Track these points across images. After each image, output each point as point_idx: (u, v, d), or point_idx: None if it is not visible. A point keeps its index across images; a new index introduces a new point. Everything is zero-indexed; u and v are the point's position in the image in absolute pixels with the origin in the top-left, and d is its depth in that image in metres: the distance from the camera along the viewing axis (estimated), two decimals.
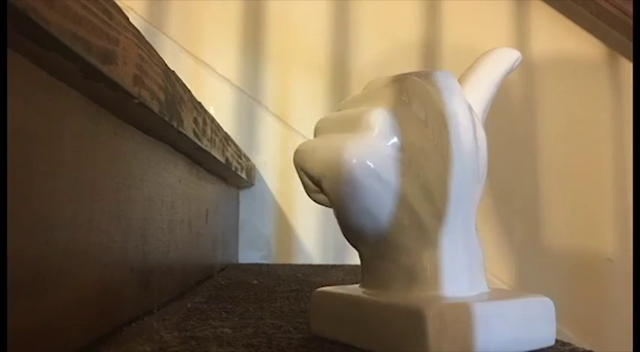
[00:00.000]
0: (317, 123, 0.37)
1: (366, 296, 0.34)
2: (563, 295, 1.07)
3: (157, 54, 0.40)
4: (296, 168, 0.35)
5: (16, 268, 0.25)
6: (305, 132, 1.09)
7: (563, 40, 1.17)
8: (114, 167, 0.38)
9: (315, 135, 0.36)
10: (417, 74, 0.34)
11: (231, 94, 1.10)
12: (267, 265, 0.99)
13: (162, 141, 0.49)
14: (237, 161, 0.82)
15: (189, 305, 0.48)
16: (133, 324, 0.41)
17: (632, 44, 1.12)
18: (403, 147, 0.32)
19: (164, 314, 0.46)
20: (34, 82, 0.27)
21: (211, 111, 0.64)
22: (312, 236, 1.09)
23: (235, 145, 0.82)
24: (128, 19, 0.34)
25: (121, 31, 0.33)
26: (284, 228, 1.09)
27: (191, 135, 0.50)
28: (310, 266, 0.98)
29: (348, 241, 0.36)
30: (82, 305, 0.33)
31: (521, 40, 1.15)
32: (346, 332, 0.34)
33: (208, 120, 0.59)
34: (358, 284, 0.37)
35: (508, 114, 1.15)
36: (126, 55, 0.33)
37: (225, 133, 0.72)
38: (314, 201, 0.35)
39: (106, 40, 0.30)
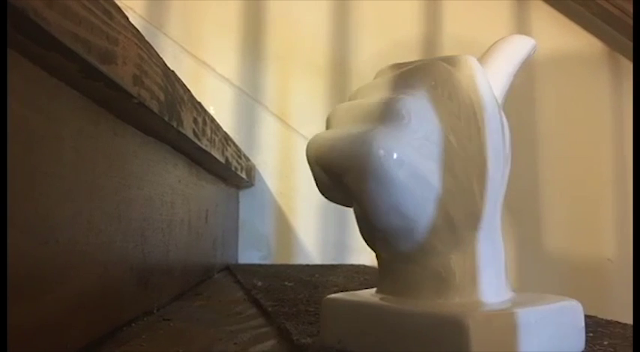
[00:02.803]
0: (330, 114, 0.33)
1: (391, 304, 0.30)
2: (563, 295, 1.07)
3: (157, 54, 0.40)
4: (309, 162, 0.31)
5: (16, 268, 0.25)
6: (305, 132, 1.09)
7: (563, 39, 1.17)
8: (113, 167, 0.38)
9: (328, 127, 0.33)
10: (443, 59, 0.31)
11: (231, 94, 1.10)
12: (271, 266, 0.98)
13: (162, 141, 0.49)
14: (236, 161, 0.82)
15: (270, 310, 0.46)
16: (133, 324, 0.41)
17: (631, 43, 1.12)
18: (435, 140, 0.29)
19: (164, 314, 0.46)
20: (34, 81, 0.27)
21: (211, 111, 0.64)
22: (312, 236, 1.09)
23: (235, 145, 0.82)
24: (128, 18, 0.34)
25: (120, 31, 0.33)
26: (284, 228, 1.09)
27: (191, 135, 0.50)
28: (316, 266, 0.97)
29: (367, 242, 0.32)
30: (81, 305, 0.33)
31: None
32: (367, 342, 0.30)
33: (208, 120, 0.59)
34: (374, 290, 0.34)
35: (507, 113, 1.15)
36: (125, 54, 0.33)
37: (225, 133, 0.72)
38: (329, 199, 0.32)
39: (105, 39, 0.30)
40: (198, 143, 0.54)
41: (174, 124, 0.45)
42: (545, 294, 0.34)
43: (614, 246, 1.12)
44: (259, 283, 0.65)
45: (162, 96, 0.41)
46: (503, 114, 0.32)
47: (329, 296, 0.34)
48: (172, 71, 0.45)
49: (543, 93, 1.15)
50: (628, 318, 0.46)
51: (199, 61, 1.10)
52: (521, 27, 1.16)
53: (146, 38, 0.38)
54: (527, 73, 1.15)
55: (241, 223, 1.07)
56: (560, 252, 1.11)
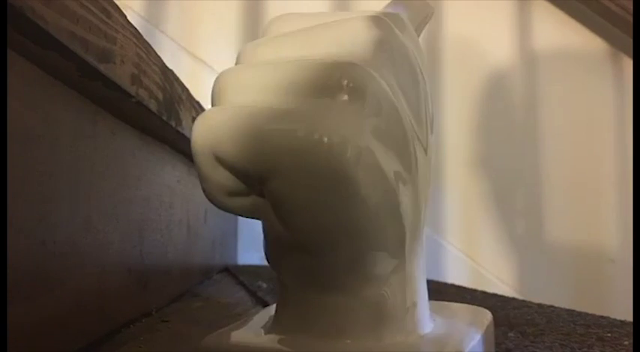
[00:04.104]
0: (222, 81, 0.23)
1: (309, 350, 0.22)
2: (565, 295, 1.07)
3: (155, 53, 0.40)
4: (198, 153, 0.22)
5: (14, 269, 0.25)
6: None
7: (565, 37, 1.17)
8: (111, 167, 0.37)
9: (221, 100, 0.23)
10: (387, 15, 0.23)
11: None
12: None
13: (161, 140, 0.49)
14: None
15: None
16: (131, 326, 0.41)
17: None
18: (390, 125, 0.21)
19: (162, 315, 0.46)
20: (31, 81, 0.27)
21: None
22: None
23: None
24: (126, 17, 0.34)
25: (119, 30, 0.32)
26: None
27: (189, 135, 0.50)
28: None
29: (274, 265, 0.25)
30: (79, 307, 0.33)
31: (523, 38, 1.15)
32: None
33: None
34: (263, 322, 0.26)
35: (510, 111, 1.15)
36: (124, 53, 0.33)
37: None
38: (221, 207, 0.23)
39: (103, 38, 0.30)
40: None
41: (173, 124, 0.44)
42: (452, 305, 0.30)
43: (617, 247, 1.12)
44: (264, 285, 0.64)
45: (160, 96, 0.40)
46: None
47: (206, 339, 0.25)
48: (171, 70, 0.44)
49: (546, 92, 1.15)
50: (629, 319, 0.46)
51: (198, 59, 1.10)
52: (523, 25, 1.16)
53: (144, 37, 0.37)
54: (529, 70, 1.15)
55: (240, 224, 1.06)
56: (563, 252, 1.11)
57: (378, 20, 0.22)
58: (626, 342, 0.37)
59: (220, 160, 0.21)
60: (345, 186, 0.19)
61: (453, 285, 0.77)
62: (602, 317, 0.48)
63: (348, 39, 0.22)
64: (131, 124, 0.41)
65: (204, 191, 0.23)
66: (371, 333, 0.22)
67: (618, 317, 0.47)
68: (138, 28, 0.36)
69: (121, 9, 0.33)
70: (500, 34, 1.15)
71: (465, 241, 1.09)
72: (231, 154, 0.20)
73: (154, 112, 0.39)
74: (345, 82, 0.20)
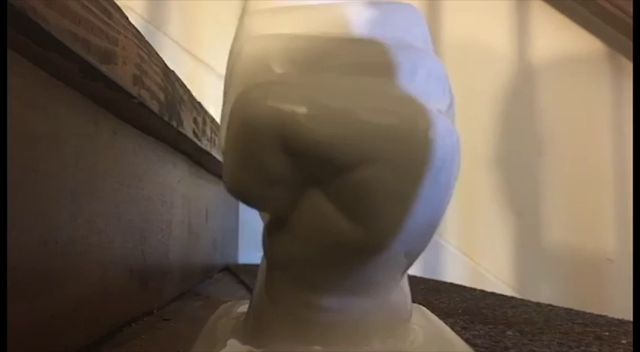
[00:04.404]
0: (267, 49, 0.19)
1: None
2: (564, 295, 1.07)
3: (157, 54, 0.40)
4: (259, 133, 0.17)
5: (16, 268, 0.25)
6: None
7: (563, 39, 1.17)
8: (113, 167, 0.38)
9: (268, 73, 0.19)
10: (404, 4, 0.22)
11: None
12: None
13: (162, 141, 0.49)
14: None
15: None
16: (133, 325, 0.41)
17: (631, 43, 1.12)
18: (454, 114, 0.21)
19: (164, 314, 0.46)
20: (34, 81, 0.27)
21: (211, 110, 0.64)
22: None
23: None
24: (128, 18, 0.34)
25: (120, 31, 0.32)
26: None
27: (191, 135, 0.50)
28: None
29: (287, 266, 0.21)
30: (81, 306, 0.33)
31: (521, 39, 1.15)
32: None
33: (208, 120, 0.59)
34: (233, 332, 0.23)
35: (508, 112, 1.15)
36: (125, 54, 0.33)
37: None
38: (253, 198, 0.19)
39: (105, 39, 0.30)
40: (198, 143, 0.54)
41: (174, 124, 0.44)
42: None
43: (615, 246, 1.12)
44: None
45: (162, 96, 0.41)
46: None
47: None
48: (172, 71, 0.45)
49: (543, 93, 1.15)
50: (628, 318, 0.46)
51: (199, 60, 1.10)
52: (521, 26, 1.16)
53: (146, 38, 0.37)
54: (527, 72, 1.15)
55: (241, 223, 1.06)
56: (561, 251, 1.11)
57: (416, 11, 0.22)
58: (623, 341, 0.37)
59: (290, 143, 0.17)
60: (446, 175, 0.18)
61: (452, 284, 0.77)
62: (599, 316, 0.48)
63: (403, 24, 0.20)
64: (133, 125, 0.41)
65: (234, 179, 0.19)
66: (380, 336, 0.20)
67: (616, 317, 0.47)
68: (139, 30, 0.36)
69: (123, 10, 0.33)
70: (498, 35, 1.16)
71: (463, 240, 1.09)
72: (313, 137, 0.17)
73: (155, 113, 0.39)
74: (422, 68, 0.19)
